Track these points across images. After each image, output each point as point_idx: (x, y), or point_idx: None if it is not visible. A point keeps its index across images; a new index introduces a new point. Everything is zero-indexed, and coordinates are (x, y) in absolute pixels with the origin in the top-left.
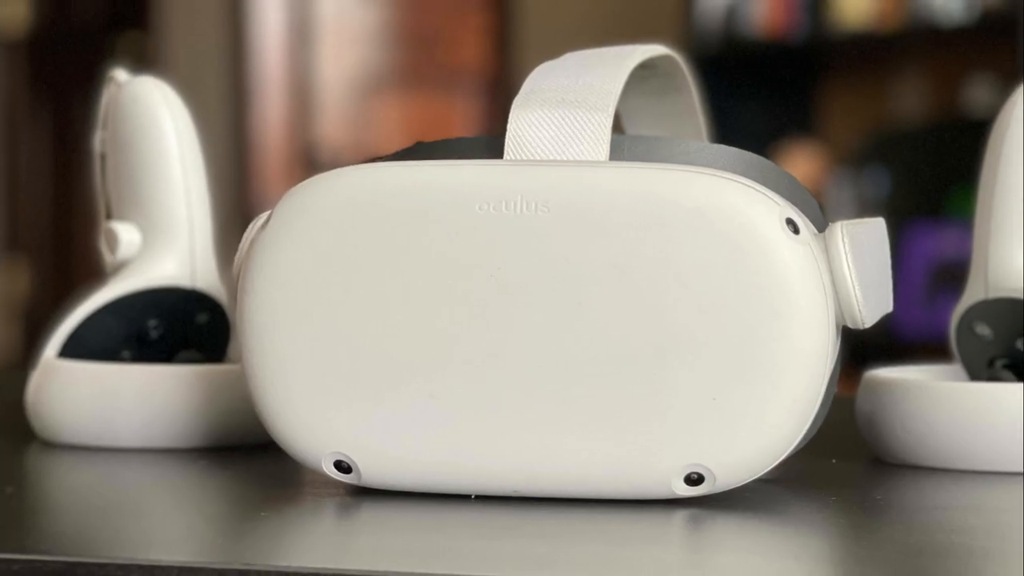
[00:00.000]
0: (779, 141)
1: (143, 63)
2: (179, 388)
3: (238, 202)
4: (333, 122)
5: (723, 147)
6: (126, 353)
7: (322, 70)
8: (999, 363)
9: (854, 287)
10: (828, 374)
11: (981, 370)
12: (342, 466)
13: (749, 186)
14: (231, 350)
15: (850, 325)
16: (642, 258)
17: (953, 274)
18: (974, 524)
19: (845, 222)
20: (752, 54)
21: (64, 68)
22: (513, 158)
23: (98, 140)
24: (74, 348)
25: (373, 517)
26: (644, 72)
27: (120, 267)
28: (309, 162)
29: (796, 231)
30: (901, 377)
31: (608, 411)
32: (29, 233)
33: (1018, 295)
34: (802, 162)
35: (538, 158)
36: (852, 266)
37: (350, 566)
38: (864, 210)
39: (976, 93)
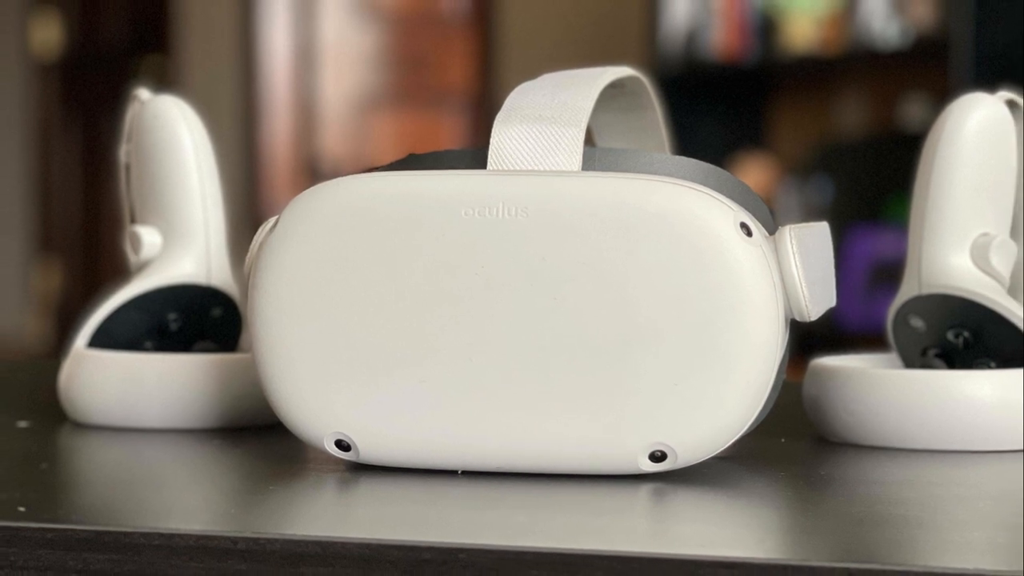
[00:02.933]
0: (734, 153)
1: (164, 83)
2: (196, 375)
3: (249, 208)
4: (334, 136)
5: (683, 158)
6: (148, 343)
7: (324, 90)
8: (931, 352)
9: (801, 284)
10: (778, 362)
11: (915, 358)
12: (342, 445)
13: (707, 193)
14: (243, 341)
15: (797, 318)
16: (611, 258)
17: (890, 272)
18: (909, 496)
19: (793, 226)
20: (710, 75)
21: (93, 87)
22: (495, 168)
23: (123, 152)
24: (102, 339)
25: (370, 490)
26: (613, 91)
27: (143, 266)
28: (312, 172)
29: (749, 234)
30: (843, 365)
31: (580, 395)
32: (61, 235)
33: (948, 291)
34: (754, 171)
35: (518, 168)
36: (799, 265)
37: (350, 534)
38: (810, 215)
39: (910, 110)
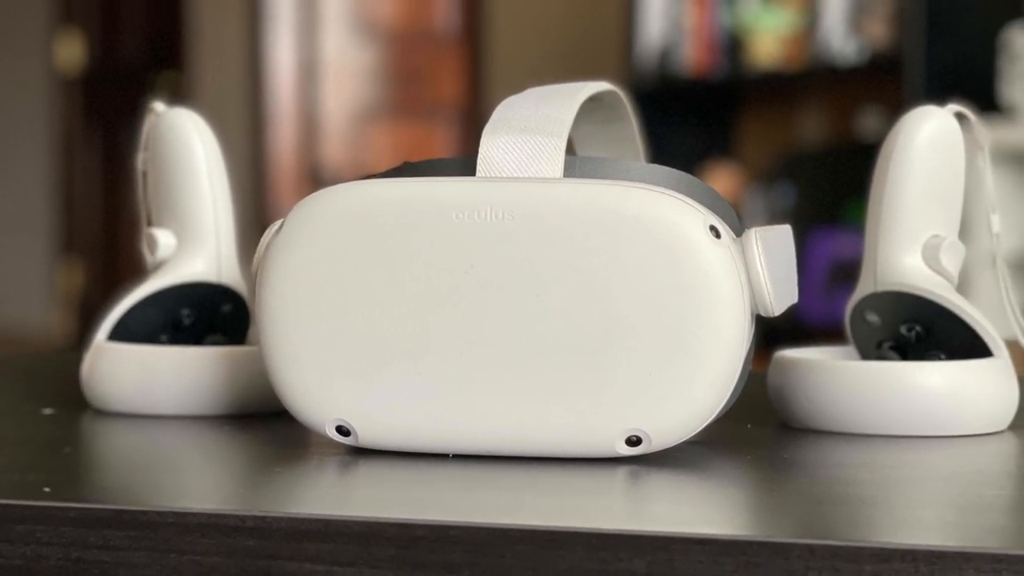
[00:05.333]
0: (703, 161)
1: (178, 97)
2: (207, 366)
3: (256, 212)
4: (335, 145)
5: (657, 166)
6: (163, 337)
7: (325, 102)
8: (885, 345)
9: (766, 282)
10: (744, 354)
11: (871, 351)
12: (343, 430)
13: (678, 198)
14: (251, 334)
15: (762, 313)
16: (590, 258)
17: (848, 272)
18: (865, 478)
19: (758, 228)
20: (681, 89)
21: (112, 101)
22: (484, 175)
23: (140, 160)
24: (120, 333)
25: (368, 473)
26: (592, 104)
27: (158, 266)
28: (315, 179)
29: (718, 236)
30: (805, 357)
31: (562, 385)
32: (83, 237)
33: (901, 289)
34: (722, 178)
35: (505, 175)
36: (764, 265)
37: (350, 513)
38: (774, 218)
39: (867, 121)
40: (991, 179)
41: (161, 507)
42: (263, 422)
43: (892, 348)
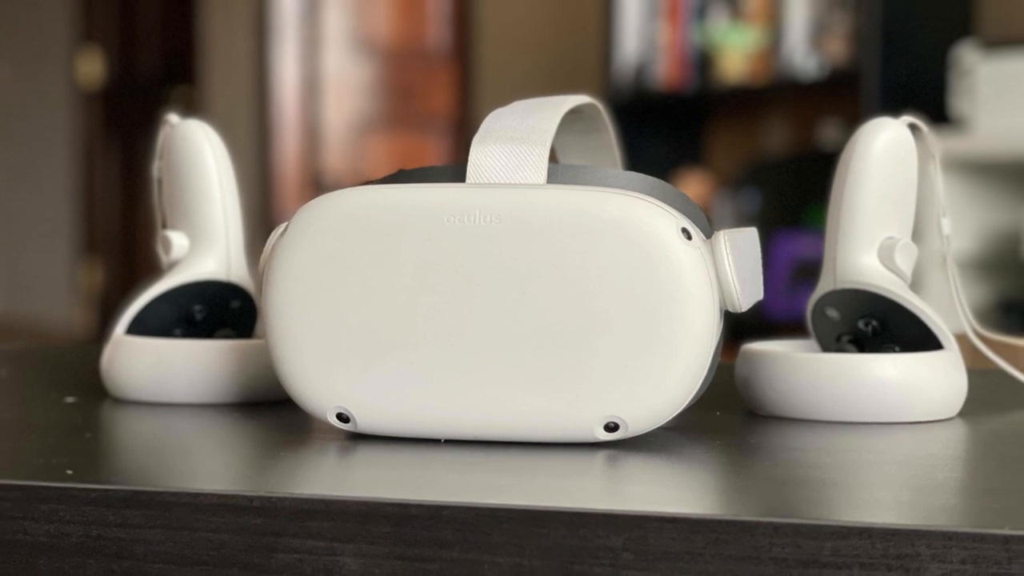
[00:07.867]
0: (676, 169)
1: (191, 109)
2: (218, 358)
3: (263, 215)
4: (335, 154)
5: (633, 173)
6: (177, 331)
7: (326, 115)
8: (844, 339)
9: (733, 280)
10: (714, 347)
11: (831, 344)
12: (343, 417)
13: (653, 203)
14: (258, 329)
15: (730, 309)
16: (571, 258)
17: (809, 271)
18: (825, 461)
19: (727, 231)
20: (655, 102)
21: (130, 113)
22: (473, 182)
23: (156, 168)
24: (137, 327)
25: (367, 456)
26: (573, 116)
27: (172, 265)
28: (317, 185)
29: (689, 237)
30: (770, 349)
31: (545, 375)
32: (103, 239)
33: (859, 286)
34: (693, 184)
35: (492, 182)
36: (732, 264)
37: (349, 493)
38: (741, 222)
39: (827, 132)
40: (942, 185)
41: (175, 488)
42: (269, 410)
43: (850, 341)
